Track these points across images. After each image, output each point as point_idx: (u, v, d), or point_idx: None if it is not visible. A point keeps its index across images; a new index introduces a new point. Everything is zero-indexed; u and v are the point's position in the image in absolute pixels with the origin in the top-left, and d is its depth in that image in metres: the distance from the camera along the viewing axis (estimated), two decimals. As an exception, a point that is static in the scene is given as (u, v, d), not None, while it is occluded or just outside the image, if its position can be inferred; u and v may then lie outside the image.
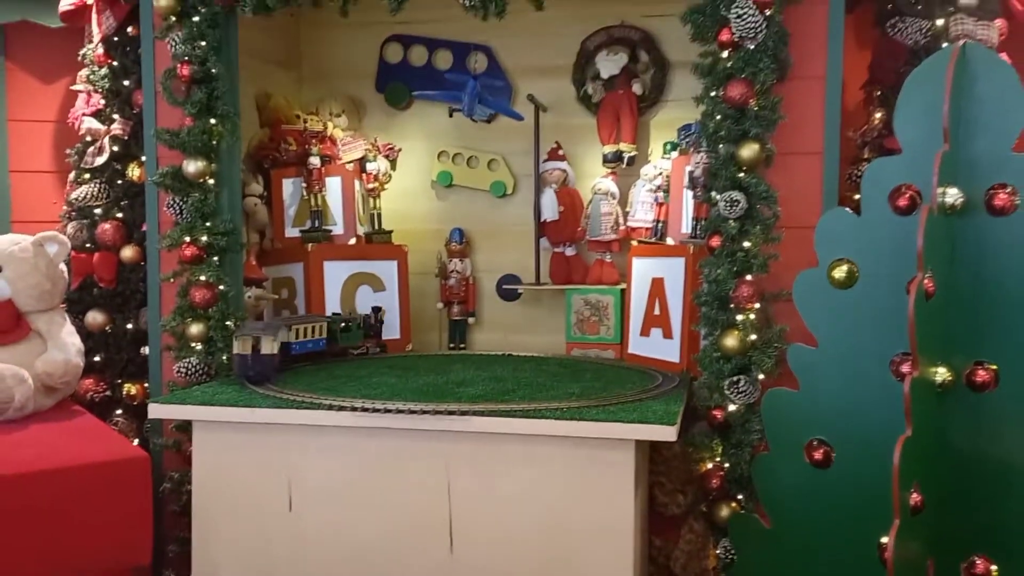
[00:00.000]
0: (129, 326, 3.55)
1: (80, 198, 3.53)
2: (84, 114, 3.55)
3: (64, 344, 3.01)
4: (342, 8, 2.97)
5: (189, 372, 3.04)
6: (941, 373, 2.32)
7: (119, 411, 3.52)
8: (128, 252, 3.52)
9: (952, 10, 2.96)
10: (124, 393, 3.51)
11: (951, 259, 2.34)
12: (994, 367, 2.31)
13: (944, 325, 2.33)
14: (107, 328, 3.54)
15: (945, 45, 2.90)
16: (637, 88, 3.64)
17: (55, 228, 3.43)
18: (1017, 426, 2.31)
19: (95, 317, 3.53)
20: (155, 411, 2.68)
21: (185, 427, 3.05)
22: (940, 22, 2.98)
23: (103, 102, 3.55)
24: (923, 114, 2.36)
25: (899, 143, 2.43)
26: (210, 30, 3.03)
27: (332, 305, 3.63)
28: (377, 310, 3.63)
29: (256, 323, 3.31)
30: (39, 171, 3.95)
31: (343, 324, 3.41)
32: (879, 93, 3.19)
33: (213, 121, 3.05)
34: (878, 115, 3.16)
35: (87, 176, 3.55)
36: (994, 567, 2.34)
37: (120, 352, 3.56)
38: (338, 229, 3.74)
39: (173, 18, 3.05)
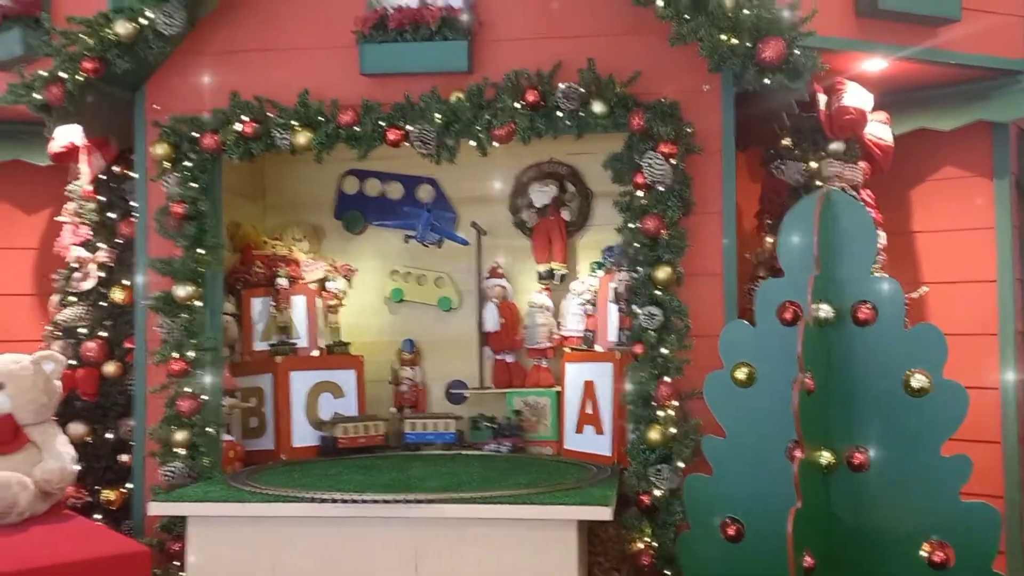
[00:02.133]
0: (109, 435, 3.83)
1: (67, 319, 3.85)
2: (72, 243, 3.90)
3: (59, 454, 3.29)
4: (317, 156, 3.45)
5: (175, 475, 3.35)
6: (826, 456, 2.82)
7: (98, 516, 3.76)
8: (110, 367, 3.84)
9: (824, 155, 3.60)
10: (103, 499, 3.77)
11: (828, 362, 2.87)
12: (868, 451, 2.82)
13: (826, 416, 2.85)
14: (87, 438, 3.81)
15: (819, 183, 3.53)
16: (566, 215, 4.19)
17: (38, 347, 3.72)
18: (887, 500, 2.81)
19: (76, 428, 3.79)
20: (155, 508, 3.02)
21: (170, 527, 3.35)
22: (815, 164, 3.61)
23: (91, 233, 3.91)
24: (799, 245, 2.94)
25: (782, 267, 2.99)
26: (200, 173, 3.48)
27: (297, 411, 3.99)
28: (519, 413, 4.07)
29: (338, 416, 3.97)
30: (19, 294, 4.28)
31: (475, 423, 4.00)
32: (769, 221, 3.78)
33: (201, 251, 3.46)
34: (769, 240, 3.75)
35: (72, 299, 3.88)
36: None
37: (99, 460, 3.82)
38: (302, 342, 4.13)
39: (167, 163, 3.49)
